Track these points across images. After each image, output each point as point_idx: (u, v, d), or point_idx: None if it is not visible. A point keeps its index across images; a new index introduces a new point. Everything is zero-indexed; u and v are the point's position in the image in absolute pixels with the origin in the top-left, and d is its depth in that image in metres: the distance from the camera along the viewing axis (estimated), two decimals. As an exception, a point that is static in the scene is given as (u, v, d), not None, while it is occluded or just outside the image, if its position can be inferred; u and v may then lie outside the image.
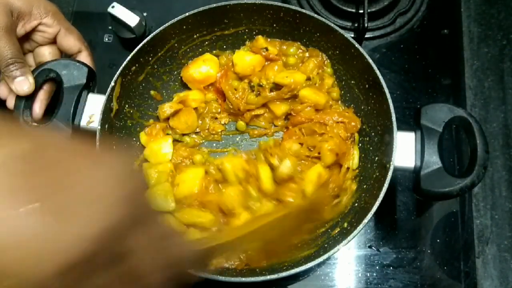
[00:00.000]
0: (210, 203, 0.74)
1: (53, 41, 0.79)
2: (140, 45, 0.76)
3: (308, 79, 0.81)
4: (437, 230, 0.82)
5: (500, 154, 0.86)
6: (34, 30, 0.76)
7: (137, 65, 0.78)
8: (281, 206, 0.74)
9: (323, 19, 0.76)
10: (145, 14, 0.94)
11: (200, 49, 0.86)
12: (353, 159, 0.78)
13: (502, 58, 0.93)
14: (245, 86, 0.81)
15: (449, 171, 0.66)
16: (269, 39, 0.84)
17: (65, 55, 0.81)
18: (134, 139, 0.82)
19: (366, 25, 0.87)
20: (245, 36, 0.85)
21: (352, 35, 0.92)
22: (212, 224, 0.73)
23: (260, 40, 0.83)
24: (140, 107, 0.83)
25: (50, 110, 0.76)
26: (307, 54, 0.83)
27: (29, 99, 0.74)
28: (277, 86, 0.80)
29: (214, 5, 0.78)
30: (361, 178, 0.77)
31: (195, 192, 0.74)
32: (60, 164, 0.32)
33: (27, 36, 0.77)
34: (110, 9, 0.88)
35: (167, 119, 0.83)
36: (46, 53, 0.79)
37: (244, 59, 0.81)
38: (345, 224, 0.73)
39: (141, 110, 0.83)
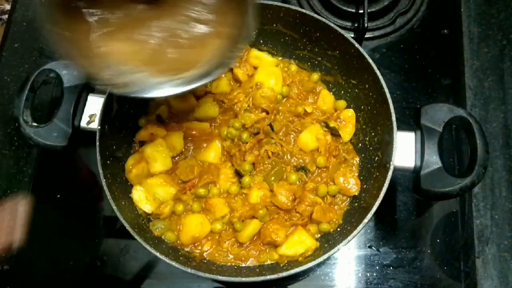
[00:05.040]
0: None
1: None
2: (140, 45, 0.76)
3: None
4: (437, 230, 0.82)
5: (500, 154, 0.86)
6: None
7: (137, 65, 0.77)
8: None
9: (323, 19, 0.76)
10: (145, 14, 0.94)
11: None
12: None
13: (502, 58, 0.93)
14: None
15: (449, 171, 0.66)
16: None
17: None
18: (133, 138, 0.82)
19: (366, 25, 0.87)
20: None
21: (352, 35, 0.92)
22: None
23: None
24: (140, 107, 0.83)
25: (50, 111, 0.76)
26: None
27: (29, 99, 0.74)
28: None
29: (214, 5, 0.78)
30: (361, 178, 0.77)
31: None
32: None
33: None
34: (110, 9, 0.88)
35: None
36: None
37: None
38: (345, 224, 0.73)
39: (141, 110, 0.83)
